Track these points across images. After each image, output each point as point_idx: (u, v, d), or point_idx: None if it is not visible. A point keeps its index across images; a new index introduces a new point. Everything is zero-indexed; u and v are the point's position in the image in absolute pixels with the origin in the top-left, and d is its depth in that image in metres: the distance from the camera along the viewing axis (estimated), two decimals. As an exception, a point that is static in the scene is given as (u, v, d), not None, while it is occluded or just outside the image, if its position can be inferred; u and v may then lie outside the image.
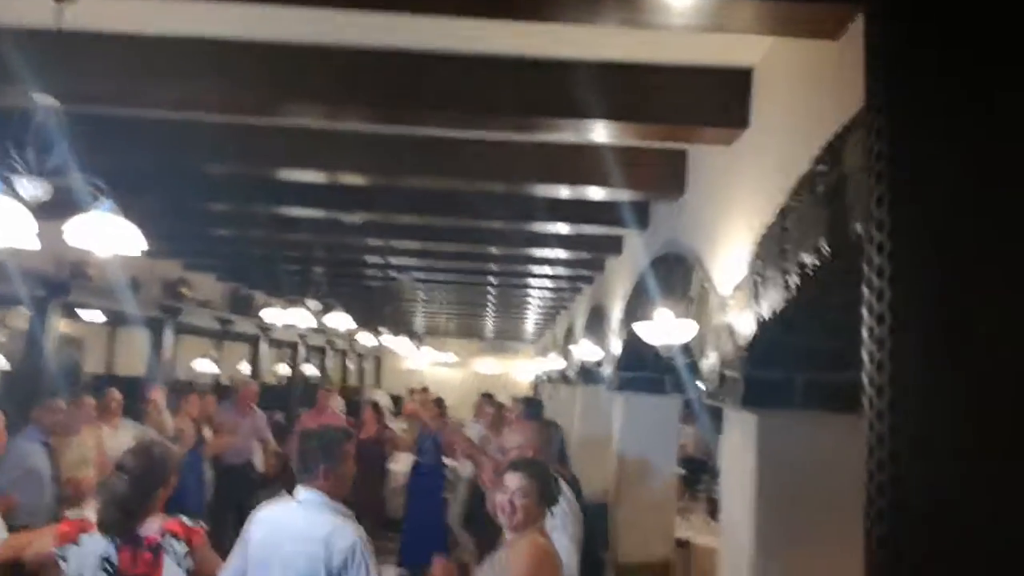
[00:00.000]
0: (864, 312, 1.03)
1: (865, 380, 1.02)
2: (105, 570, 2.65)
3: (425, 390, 16.35)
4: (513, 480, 2.79)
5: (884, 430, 0.94)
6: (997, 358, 0.92)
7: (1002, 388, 0.91)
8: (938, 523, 0.89)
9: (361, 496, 7.31)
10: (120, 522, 2.69)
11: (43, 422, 4.89)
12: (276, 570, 2.74)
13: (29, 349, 7.00)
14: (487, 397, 8.76)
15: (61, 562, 2.69)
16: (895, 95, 1.00)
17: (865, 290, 1.03)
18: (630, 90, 3.18)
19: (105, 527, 2.69)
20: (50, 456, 4.79)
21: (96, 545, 2.68)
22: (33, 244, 3.17)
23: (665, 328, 3.78)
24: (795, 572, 2.92)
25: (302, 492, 2.87)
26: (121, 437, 5.78)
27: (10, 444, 4.40)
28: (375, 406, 8.41)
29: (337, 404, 11.54)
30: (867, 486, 0.96)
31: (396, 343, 15.95)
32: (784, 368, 2.93)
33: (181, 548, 2.68)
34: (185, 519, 2.80)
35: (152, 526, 2.72)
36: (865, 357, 1.01)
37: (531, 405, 7.52)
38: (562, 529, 3.16)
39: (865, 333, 1.03)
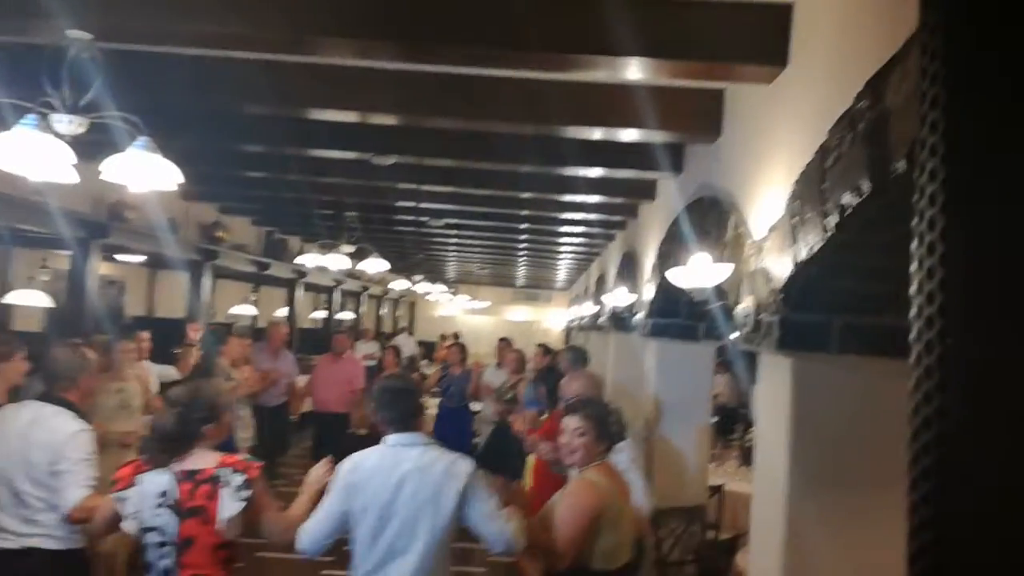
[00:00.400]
0: (915, 253, 0.95)
1: (913, 332, 0.94)
2: (163, 505, 2.71)
3: (456, 337, 16.51)
4: (572, 421, 3.04)
5: (932, 387, 0.88)
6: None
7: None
8: (984, 485, 0.85)
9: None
10: (168, 456, 2.75)
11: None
12: (399, 511, 2.79)
13: (72, 290, 7.15)
14: (505, 342, 9.00)
15: (120, 504, 2.77)
16: (952, 13, 0.93)
17: (916, 225, 0.95)
18: (666, 27, 3.09)
19: (155, 462, 2.75)
20: None
21: (153, 483, 2.74)
22: (71, 178, 3.21)
23: (699, 273, 3.73)
24: (829, 515, 2.92)
25: (402, 436, 2.92)
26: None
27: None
28: (396, 351, 8.78)
29: (370, 348, 11.69)
30: (910, 444, 0.91)
31: (429, 290, 16.04)
32: (821, 311, 2.88)
33: (238, 481, 2.73)
34: (243, 455, 2.91)
35: (209, 460, 2.78)
36: (915, 297, 0.93)
37: (576, 353, 7.68)
38: (631, 464, 3.48)
39: (915, 281, 0.95)
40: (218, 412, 2.89)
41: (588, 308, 11.45)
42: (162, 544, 2.72)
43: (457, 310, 22.66)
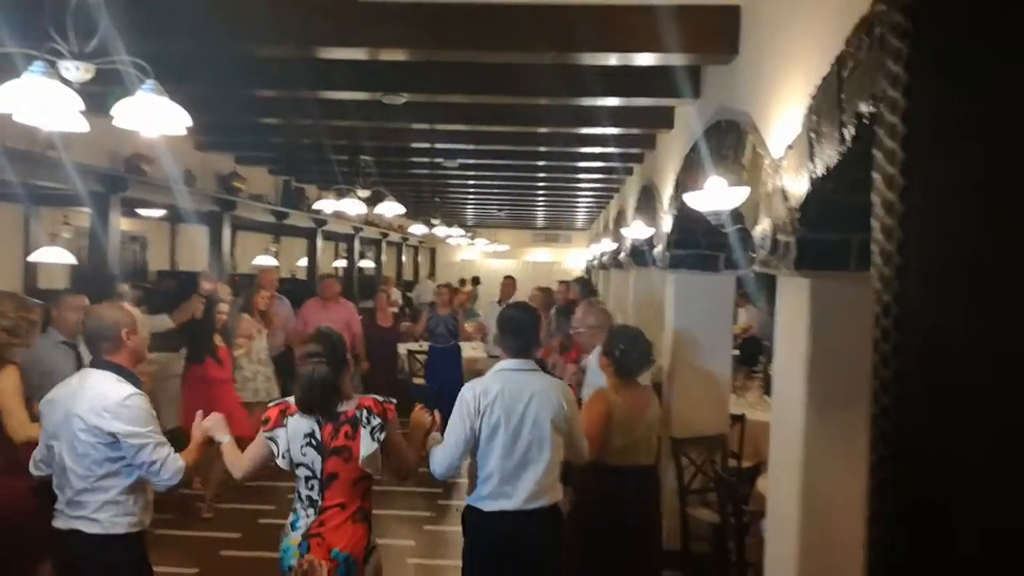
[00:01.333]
0: (877, 160, 0.90)
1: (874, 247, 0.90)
2: (310, 445, 2.96)
3: (476, 281, 16.61)
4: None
5: (890, 299, 0.85)
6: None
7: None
8: (939, 398, 0.83)
9: (379, 379, 8.10)
10: (326, 403, 2.98)
11: (66, 322, 4.51)
12: (529, 427, 3.26)
13: (93, 245, 7.22)
14: (510, 279, 9.93)
15: (271, 444, 3.01)
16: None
17: (879, 135, 0.88)
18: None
19: (311, 409, 2.97)
20: (76, 358, 4.37)
21: (300, 424, 2.98)
22: (82, 127, 3.21)
23: (716, 196, 3.69)
24: (845, 435, 2.92)
25: (519, 362, 3.39)
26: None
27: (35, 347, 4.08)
28: (388, 298, 9.48)
29: (393, 295, 11.81)
30: (872, 356, 0.89)
31: (448, 234, 16.04)
32: (839, 229, 2.84)
33: (376, 421, 2.98)
34: (378, 396, 3.09)
35: (349, 402, 3.02)
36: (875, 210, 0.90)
37: (585, 285, 8.41)
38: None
39: (876, 190, 0.89)
40: (347, 354, 3.11)
41: (607, 246, 11.41)
42: (309, 478, 2.98)
43: (477, 254, 22.70)
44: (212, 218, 9.25)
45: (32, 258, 7.94)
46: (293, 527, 3.01)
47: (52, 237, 8.51)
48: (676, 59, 4.25)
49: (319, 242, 12.83)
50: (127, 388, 2.99)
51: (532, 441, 3.27)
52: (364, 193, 8.42)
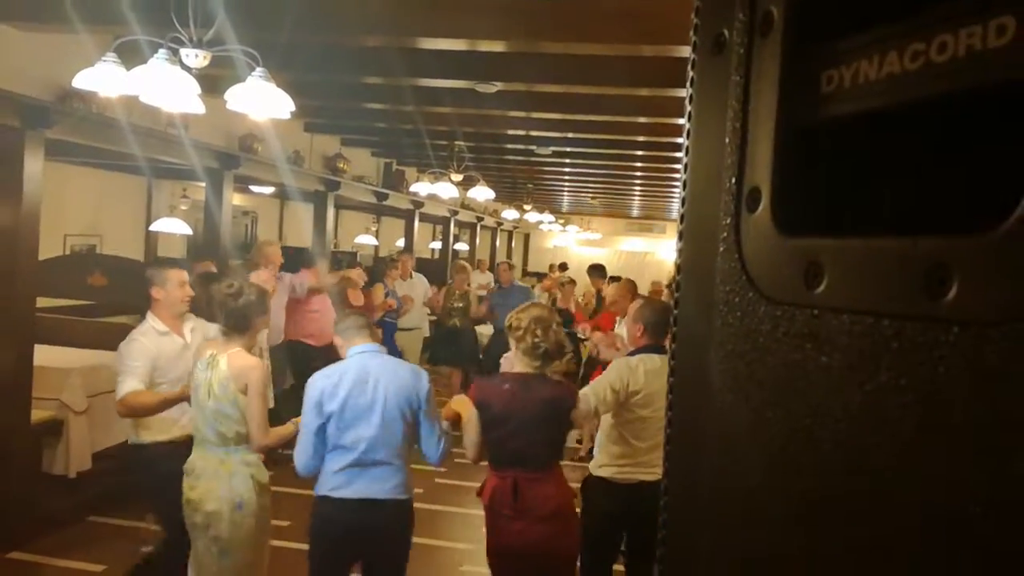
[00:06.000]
0: None
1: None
2: None
3: (563, 267, 16.68)
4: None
5: None
6: None
7: None
8: None
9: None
10: None
11: None
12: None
13: (208, 219, 7.74)
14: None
15: None
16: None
17: None
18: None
19: None
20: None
21: None
22: (198, 109, 3.53)
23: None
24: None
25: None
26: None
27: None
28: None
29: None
30: None
31: (540, 219, 16.20)
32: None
33: None
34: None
35: None
36: None
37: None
38: None
39: None
40: None
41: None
42: None
43: (570, 241, 22.77)
44: (317, 197, 9.71)
45: (153, 228, 8.59)
46: None
47: (171, 209, 9.15)
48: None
49: (416, 223, 13.23)
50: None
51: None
52: (457, 177, 8.69)
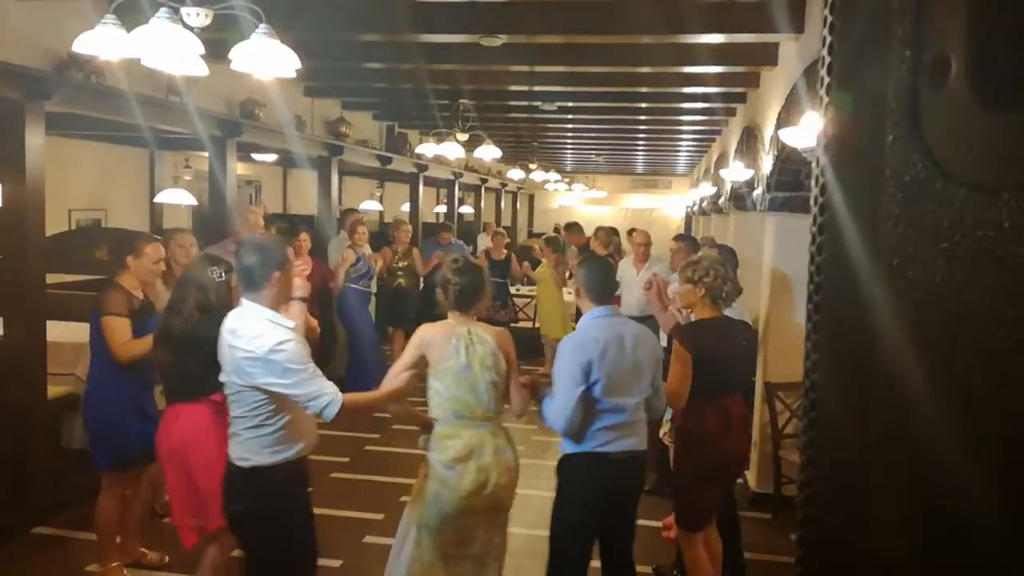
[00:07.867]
0: None
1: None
2: None
3: (569, 228, 16.53)
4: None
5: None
6: None
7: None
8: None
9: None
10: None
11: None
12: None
13: (212, 189, 7.64)
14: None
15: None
16: None
17: None
18: None
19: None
20: None
21: None
22: (202, 71, 3.43)
23: (813, 133, 3.61)
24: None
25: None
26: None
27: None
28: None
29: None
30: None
31: (546, 179, 16.05)
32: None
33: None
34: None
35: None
36: None
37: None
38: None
39: None
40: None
41: (707, 191, 11.20)
42: None
43: (576, 200, 22.60)
44: (321, 163, 9.58)
45: (158, 199, 8.51)
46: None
47: (174, 180, 9.05)
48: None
49: (420, 187, 13.11)
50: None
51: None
52: (463, 137, 8.55)
